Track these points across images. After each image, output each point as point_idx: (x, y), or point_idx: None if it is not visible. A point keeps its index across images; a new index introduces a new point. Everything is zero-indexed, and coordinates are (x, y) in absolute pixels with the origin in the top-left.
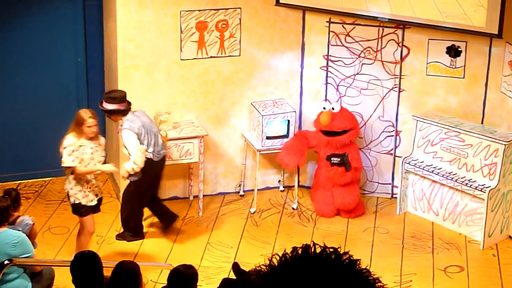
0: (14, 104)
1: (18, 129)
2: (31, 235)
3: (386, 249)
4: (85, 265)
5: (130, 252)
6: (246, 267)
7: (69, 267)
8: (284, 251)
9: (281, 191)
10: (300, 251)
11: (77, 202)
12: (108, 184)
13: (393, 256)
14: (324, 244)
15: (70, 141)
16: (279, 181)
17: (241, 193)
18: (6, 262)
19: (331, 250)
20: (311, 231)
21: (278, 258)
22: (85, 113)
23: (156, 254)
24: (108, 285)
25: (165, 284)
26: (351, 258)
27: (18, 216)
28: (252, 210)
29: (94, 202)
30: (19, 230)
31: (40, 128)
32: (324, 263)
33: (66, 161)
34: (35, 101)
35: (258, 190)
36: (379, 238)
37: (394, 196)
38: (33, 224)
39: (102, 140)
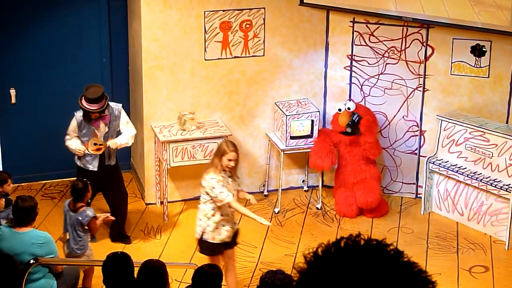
0: (39, 104)
1: (44, 129)
2: (90, 227)
3: (410, 249)
4: (117, 266)
5: (154, 251)
6: (270, 267)
7: (100, 267)
8: (328, 241)
9: (305, 191)
10: (343, 242)
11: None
12: (133, 184)
13: (418, 256)
14: (369, 236)
15: (214, 175)
16: (303, 181)
17: (265, 193)
18: (32, 261)
19: (375, 241)
20: (335, 231)
21: (322, 247)
22: (227, 145)
23: (181, 253)
24: (136, 283)
25: (190, 284)
26: (397, 249)
27: (82, 206)
28: (276, 210)
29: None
30: (78, 219)
31: (66, 128)
32: (369, 253)
33: (225, 197)
34: (60, 101)
35: (282, 190)
36: (403, 238)
37: (418, 196)
38: (94, 217)
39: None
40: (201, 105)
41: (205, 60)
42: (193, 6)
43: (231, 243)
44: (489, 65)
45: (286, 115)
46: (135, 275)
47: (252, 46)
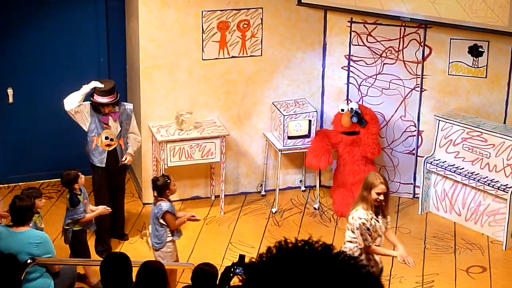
0: (36, 104)
1: (41, 129)
2: (167, 221)
3: (408, 249)
4: (115, 266)
5: (150, 254)
6: None
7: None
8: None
9: (302, 191)
10: (274, 250)
11: None
12: (130, 184)
13: (415, 256)
14: (295, 238)
15: (362, 214)
16: (301, 181)
17: (263, 193)
18: (29, 261)
19: (302, 242)
20: (332, 231)
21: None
22: (375, 177)
23: (178, 254)
24: (135, 284)
25: (188, 284)
26: (325, 244)
27: (159, 200)
28: (273, 210)
29: None
30: (154, 213)
31: (63, 127)
32: (299, 255)
33: (360, 241)
34: (57, 101)
35: (279, 190)
36: (401, 238)
37: (416, 196)
38: (167, 211)
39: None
40: (198, 104)
41: (203, 60)
42: (191, 6)
43: None
44: (486, 65)
45: (284, 115)
46: (134, 276)
47: (249, 46)
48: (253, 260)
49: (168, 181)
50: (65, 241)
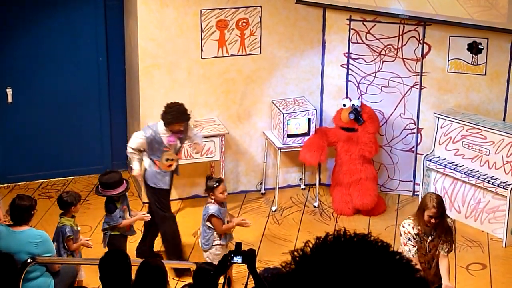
0: (36, 104)
1: (41, 128)
2: (213, 224)
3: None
4: (114, 263)
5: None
6: (267, 264)
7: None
8: (316, 238)
9: (302, 189)
10: (331, 238)
11: None
12: (130, 183)
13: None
14: (355, 231)
15: (407, 224)
16: (300, 179)
17: (262, 191)
18: (29, 260)
19: (362, 234)
20: (332, 229)
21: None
22: (430, 199)
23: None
24: (134, 282)
25: (188, 283)
26: (384, 242)
27: (208, 202)
28: (273, 208)
29: None
30: (203, 214)
31: (63, 127)
32: (358, 246)
33: (403, 250)
34: (57, 100)
35: (279, 188)
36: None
37: (415, 193)
38: (212, 214)
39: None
40: (198, 103)
41: (202, 58)
42: (190, 5)
43: None
44: (486, 62)
45: (283, 113)
46: (133, 274)
47: (248, 44)
48: (306, 247)
49: (216, 185)
50: (103, 244)
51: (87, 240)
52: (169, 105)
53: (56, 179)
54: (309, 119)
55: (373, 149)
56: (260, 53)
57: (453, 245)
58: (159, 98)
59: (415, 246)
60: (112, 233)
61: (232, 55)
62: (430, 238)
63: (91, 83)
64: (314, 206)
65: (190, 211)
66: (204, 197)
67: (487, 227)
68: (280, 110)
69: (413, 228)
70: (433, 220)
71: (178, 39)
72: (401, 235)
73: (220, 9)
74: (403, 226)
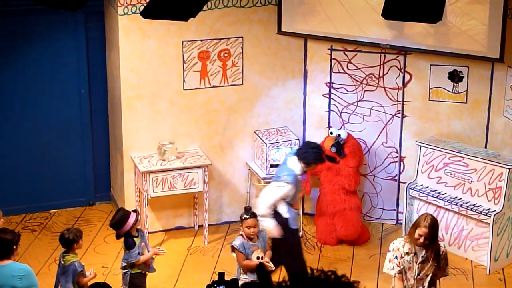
0: (18, 136)
1: (22, 161)
2: (236, 256)
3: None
4: None
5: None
6: None
7: None
8: (284, 277)
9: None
10: (300, 276)
11: None
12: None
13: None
14: (322, 268)
15: (397, 242)
16: (245, 207)
17: None
18: None
19: (329, 272)
20: (317, 258)
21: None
22: (424, 219)
23: (163, 285)
24: None
25: None
26: (349, 279)
27: (239, 234)
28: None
29: None
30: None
31: (45, 160)
32: (325, 285)
33: (384, 267)
34: (39, 132)
35: None
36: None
37: (399, 222)
38: (233, 246)
39: (442, 249)
40: (180, 134)
41: (184, 89)
42: (171, 36)
43: None
44: (466, 90)
45: (266, 144)
46: None
47: (230, 75)
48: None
49: (244, 217)
50: (123, 283)
51: (93, 272)
52: (310, 145)
53: (39, 212)
54: (292, 148)
55: (352, 183)
56: (242, 84)
57: (445, 272)
58: (141, 129)
59: (399, 266)
60: (132, 271)
61: (214, 86)
62: (420, 259)
63: (73, 115)
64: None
65: (174, 242)
66: (188, 228)
67: (470, 254)
68: (263, 141)
69: (403, 246)
70: (421, 240)
71: (160, 70)
72: (389, 251)
73: (201, 40)
74: (393, 243)
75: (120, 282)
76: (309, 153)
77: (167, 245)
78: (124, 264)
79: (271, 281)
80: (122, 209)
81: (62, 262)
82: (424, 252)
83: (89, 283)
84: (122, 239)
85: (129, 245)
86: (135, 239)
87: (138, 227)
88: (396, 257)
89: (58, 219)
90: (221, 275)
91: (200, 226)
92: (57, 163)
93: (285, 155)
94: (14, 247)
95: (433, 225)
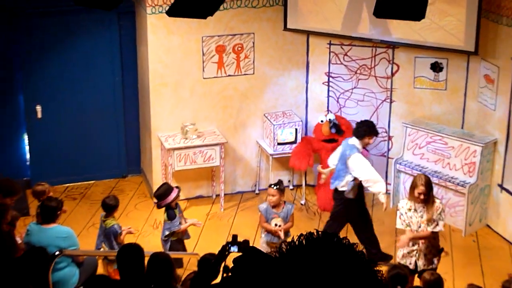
0: (63, 118)
1: (66, 140)
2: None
3: (382, 238)
4: (130, 255)
5: (160, 245)
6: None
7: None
8: (293, 237)
9: (291, 189)
10: (306, 237)
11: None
12: (143, 185)
13: (388, 244)
14: (325, 230)
15: (402, 202)
16: (289, 181)
17: (257, 191)
18: (57, 253)
19: (331, 234)
20: (317, 223)
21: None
22: (419, 179)
23: (186, 245)
24: (146, 271)
25: (194, 270)
26: (349, 241)
27: (284, 201)
28: None
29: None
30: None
31: (84, 138)
32: (327, 245)
33: (397, 223)
34: (80, 114)
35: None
36: (376, 228)
37: (388, 192)
38: (259, 209)
39: (436, 204)
40: (200, 117)
41: (203, 78)
42: (193, 32)
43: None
44: (446, 79)
45: (274, 124)
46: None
47: (243, 66)
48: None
49: (268, 186)
50: (164, 250)
51: (129, 228)
52: (360, 123)
53: (80, 183)
54: (296, 129)
55: None
56: (253, 73)
57: (442, 223)
58: (166, 112)
59: (405, 221)
60: (172, 239)
61: (229, 75)
62: (419, 214)
63: (108, 100)
64: (301, 204)
65: (195, 209)
66: (207, 197)
67: (449, 220)
68: (271, 122)
69: (406, 204)
70: (421, 197)
71: (183, 61)
72: (398, 210)
73: (218, 36)
74: (399, 203)
75: (148, 243)
76: (360, 129)
77: (189, 211)
78: (167, 232)
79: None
80: (167, 184)
81: (104, 225)
82: (422, 208)
83: (124, 241)
84: (164, 210)
85: (171, 217)
86: (175, 211)
87: (177, 201)
88: (401, 214)
89: (95, 189)
90: (235, 237)
91: (217, 195)
92: (95, 141)
93: (342, 143)
94: (58, 213)
95: (428, 182)
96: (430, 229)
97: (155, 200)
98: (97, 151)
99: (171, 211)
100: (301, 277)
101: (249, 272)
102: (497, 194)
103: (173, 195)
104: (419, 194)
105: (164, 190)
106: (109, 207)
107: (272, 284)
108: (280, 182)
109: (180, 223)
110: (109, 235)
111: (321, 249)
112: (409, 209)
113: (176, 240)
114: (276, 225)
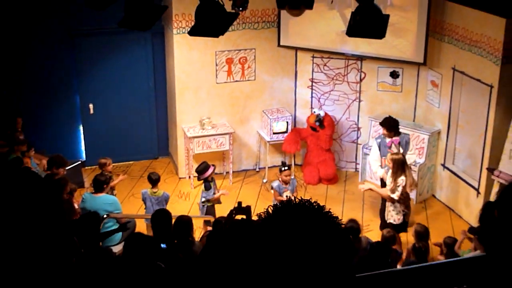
0: (110, 114)
1: (111, 130)
2: (274, 194)
3: (353, 205)
4: (161, 218)
5: (184, 209)
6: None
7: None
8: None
9: None
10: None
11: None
12: (171, 165)
13: (357, 209)
14: (300, 197)
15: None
16: (282, 161)
17: (257, 169)
18: (105, 216)
19: (304, 200)
20: (303, 193)
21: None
22: (392, 155)
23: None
24: (173, 230)
25: (209, 230)
26: (319, 204)
27: (277, 179)
28: (264, 180)
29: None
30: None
31: (126, 129)
32: (302, 208)
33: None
34: (123, 111)
35: (268, 167)
36: (348, 197)
37: (357, 170)
38: (272, 187)
39: (399, 180)
40: (214, 113)
41: (216, 83)
42: (208, 48)
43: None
44: (401, 84)
45: (270, 118)
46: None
47: (247, 73)
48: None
49: (283, 169)
50: (200, 213)
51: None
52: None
53: (122, 163)
54: (287, 122)
55: (327, 144)
56: (255, 79)
57: (397, 193)
58: (188, 109)
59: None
60: (208, 204)
61: (236, 81)
62: (388, 181)
63: (144, 99)
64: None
65: None
66: (220, 174)
67: None
68: (268, 116)
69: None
70: (391, 165)
71: (201, 71)
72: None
73: (228, 50)
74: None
75: (174, 209)
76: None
77: None
78: (204, 199)
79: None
80: (206, 162)
81: (155, 195)
82: (390, 177)
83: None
84: (202, 182)
85: (207, 188)
86: (210, 183)
87: (212, 176)
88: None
89: (134, 167)
90: (240, 203)
91: (227, 172)
92: (134, 131)
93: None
94: (105, 186)
95: (394, 160)
96: (389, 193)
97: (195, 174)
98: (135, 138)
99: (207, 183)
100: (279, 227)
101: (242, 227)
102: (440, 172)
103: (209, 171)
104: (388, 164)
105: (203, 167)
106: (154, 180)
107: (258, 232)
108: (285, 163)
109: (214, 193)
110: (161, 202)
111: (296, 210)
112: (386, 172)
113: (211, 205)
114: (287, 197)
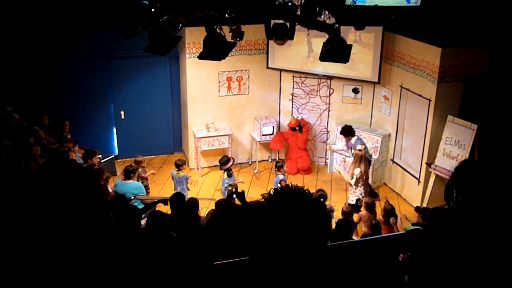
0: (136, 119)
1: (138, 131)
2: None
3: (325, 190)
4: (176, 199)
5: (194, 193)
6: (252, 199)
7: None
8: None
9: (269, 161)
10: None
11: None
12: (183, 158)
13: (327, 192)
14: (291, 183)
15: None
16: (268, 156)
17: (250, 162)
18: (132, 197)
19: (296, 186)
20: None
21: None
22: (357, 151)
23: (207, 193)
24: (186, 210)
25: (212, 209)
26: (308, 191)
27: (279, 173)
28: (255, 171)
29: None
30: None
31: (150, 130)
32: (293, 193)
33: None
34: (146, 117)
35: (258, 161)
36: (319, 185)
37: (326, 163)
38: (282, 179)
39: (356, 171)
40: (217, 119)
41: (219, 96)
42: (213, 69)
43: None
44: (361, 98)
45: (260, 124)
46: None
47: (243, 89)
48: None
49: (283, 164)
50: (222, 196)
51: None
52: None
53: (146, 156)
54: (273, 126)
55: (304, 144)
56: (248, 93)
57: (353, 180)
58: (197, 116)
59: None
60: (229, 188)
61: (234, 94)
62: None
63: (163, 108)
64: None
65: (213, 173)
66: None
67: None
68: (258, 122)
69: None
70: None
71: (207, 86)
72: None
73: (228, 71)
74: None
75: (185, 192)
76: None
77: (210, 174)
78: (226, 185)
79: (245, 201)
80: (227, 156)
81: (177, 176)
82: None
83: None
84: (223, 171)
85: (229, 175)
86: (231, 172)
87: (232, 167)
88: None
89: (155, 160)
90: (236, 188)
91: None
92: (155, 132)
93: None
94: (132, 175)
95: (356, 156)
96: (348, 179)
97: (219, 165)
98: (156, 138)
99: (230, 171)
100: (273, 207)
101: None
102: (390, 165)
103: (230, 163)
104: (352, 155)
105: (225, 160)
106: (179, 165)
107: (255, 212)
108: (278, 161)
109: (234, 180)
110: (182, 181)
111: (286, 194)
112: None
113: (231, 189)
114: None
